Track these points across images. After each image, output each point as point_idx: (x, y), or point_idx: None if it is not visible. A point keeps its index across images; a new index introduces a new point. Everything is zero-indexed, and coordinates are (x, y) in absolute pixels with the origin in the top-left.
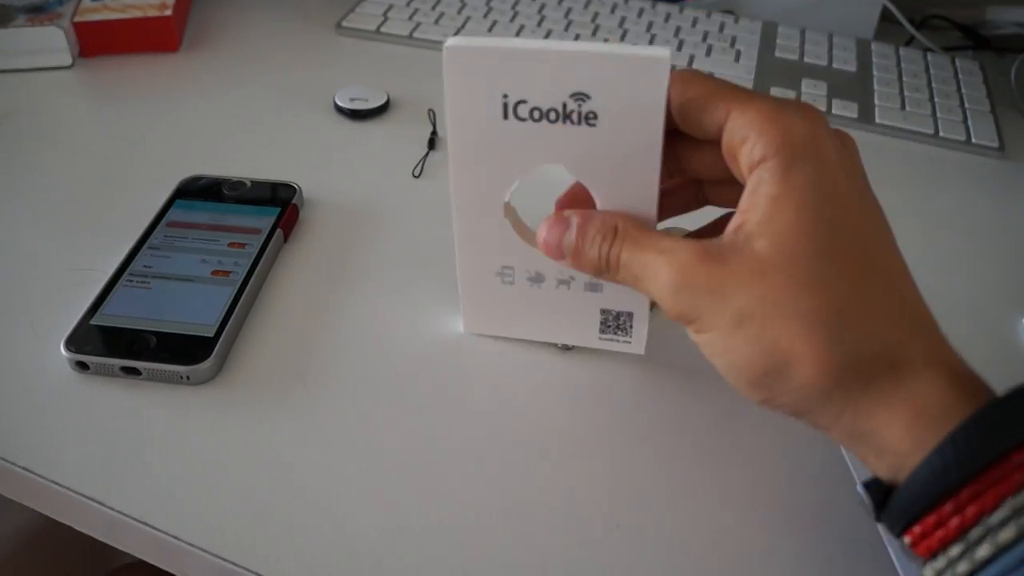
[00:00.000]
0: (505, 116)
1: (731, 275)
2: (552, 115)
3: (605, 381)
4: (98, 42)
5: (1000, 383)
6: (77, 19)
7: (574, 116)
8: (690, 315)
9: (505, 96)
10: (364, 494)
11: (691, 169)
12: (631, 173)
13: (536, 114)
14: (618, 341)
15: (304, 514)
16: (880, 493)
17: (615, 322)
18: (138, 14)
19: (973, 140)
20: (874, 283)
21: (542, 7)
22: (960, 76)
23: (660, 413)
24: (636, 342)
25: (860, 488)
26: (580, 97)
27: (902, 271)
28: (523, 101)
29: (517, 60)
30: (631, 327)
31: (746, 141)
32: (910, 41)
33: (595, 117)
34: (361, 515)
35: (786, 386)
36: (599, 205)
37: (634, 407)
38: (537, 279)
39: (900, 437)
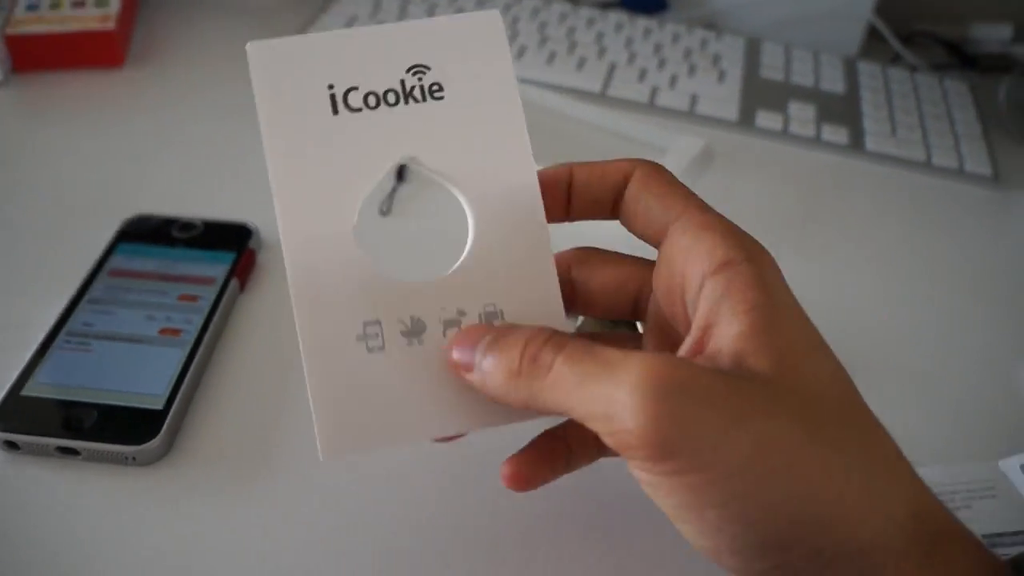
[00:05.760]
0: (335, 111)
1: (738, 392)
2: (391, 97)
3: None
4: (33, 57)
5: (1004, 433)
6: (9, 31)
7: (416, 92)
8: (679, 442)
9: (331, 87)
10: None
11: (586, 297)
12: (497, 150)
13: (372, 100)
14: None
15: None
16: None
17: None
18: (77, 27)
19: (966, 168)
20: (883, 434)
21: (515, 21)
22: (948, 98)
23: None
24: None
25: None
26: (419, 70)
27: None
28: (353, 88)
29: (338, 46)
30: None
31: (705, 240)
32: (896, 59)
33: (440, 89)
34: None
35: (828, 538)
36: (469, 211)
37: None
38: (415, 331)
39: None
